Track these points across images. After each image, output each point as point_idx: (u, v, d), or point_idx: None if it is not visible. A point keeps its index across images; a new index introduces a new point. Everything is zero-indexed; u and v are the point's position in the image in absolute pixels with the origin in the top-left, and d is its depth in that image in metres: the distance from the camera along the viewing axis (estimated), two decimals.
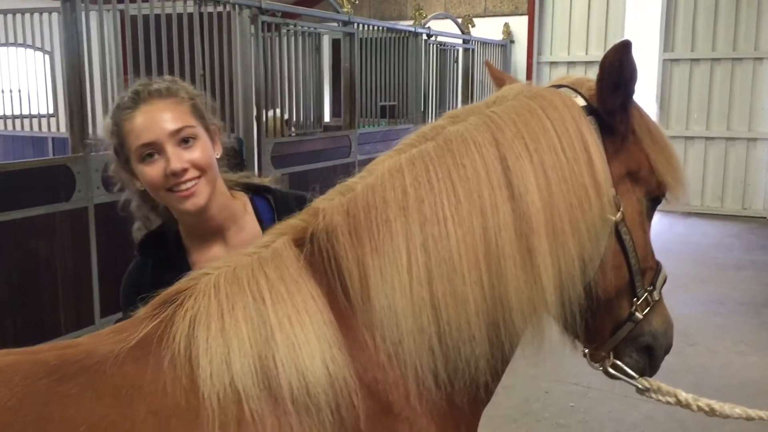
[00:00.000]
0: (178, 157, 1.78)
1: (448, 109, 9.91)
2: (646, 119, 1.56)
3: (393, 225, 1.29)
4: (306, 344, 1.20)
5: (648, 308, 1.57)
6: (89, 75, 4.92)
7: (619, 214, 1.45)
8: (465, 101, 10.43)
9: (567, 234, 1.33)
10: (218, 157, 1.93)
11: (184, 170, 1.79)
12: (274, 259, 1.29)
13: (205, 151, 1.84)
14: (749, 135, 10.82)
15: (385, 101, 8.57)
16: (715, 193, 11.04)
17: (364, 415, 1.21)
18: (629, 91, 1.46)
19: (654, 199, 1.59)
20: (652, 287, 1.58)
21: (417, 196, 1.31)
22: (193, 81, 5.85)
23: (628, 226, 1.48)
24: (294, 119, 6.97)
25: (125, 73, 5.28)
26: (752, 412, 1.66)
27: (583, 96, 1.49)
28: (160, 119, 1.79)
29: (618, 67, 1.41)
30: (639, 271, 1.53)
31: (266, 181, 2.10)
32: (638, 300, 1.55)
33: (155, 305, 1.29)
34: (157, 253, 1.96)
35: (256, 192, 2.05)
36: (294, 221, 1.40)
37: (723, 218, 10.74)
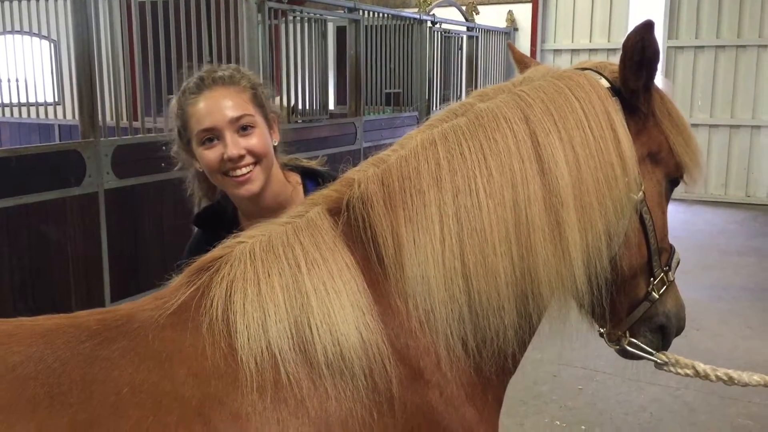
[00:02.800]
0: (236, 144, 1.86)
1: (453, 96, 9.98)
2: (666, 101, 1.58)
3: (426, 195, 1.32)
4: (340, 310, 1.22)
5: (663, 288, 1.60)
6: (98, 60, 4.94)
7: (640, 194, 1.47)
8: (469, 89, 10.43)
9: (594, 209, 1.36)
10: (276, 144, 2.00)
11: (241, 156, 1.87)
12: (309, 227, 1.31)
13: (262, 139, 1.91)
14: (753, 122, 10.83)
15: (389, 89, 8.57)
16: (718, 180, 11.05)
17: (396, 381, 1.23)
18: (652, 71, 1.48)
19: (672, 181, 1.61)
20: (667, 267, 1.61)
21: (450, 168, 1.34)
22: (200, 66, 5.87)
23: (648, 206, 1.51)
24: (300, 106, 6.98)
25: (132, 59, 5.31)
26: None
27: (606, 78, 1.51)
28: (222, 106, 1.86)
29: (641, 47, 1.43)
30: (657, 250, 1.55)
31: (313, 163, 2.15)
32: (655, 280, 1.58)
33: (191, 273, 1.31)
34: (212, 227, 2.02)
35: (306, 174, 2.11)
36: (327, 191, 1.43)
37: (726, 206, 10.77)
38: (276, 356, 1.18)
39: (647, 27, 1.42)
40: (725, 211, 10.44)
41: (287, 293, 1.23)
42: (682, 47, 11.14)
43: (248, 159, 1.88)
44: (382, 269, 1.31)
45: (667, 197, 1.63)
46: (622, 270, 1.50)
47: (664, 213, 1.60)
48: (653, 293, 1.59)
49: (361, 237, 1.33)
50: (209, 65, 1.99)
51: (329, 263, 1.26)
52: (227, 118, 1.85)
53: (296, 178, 2.08)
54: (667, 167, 1.57)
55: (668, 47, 11.18)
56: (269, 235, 1.32)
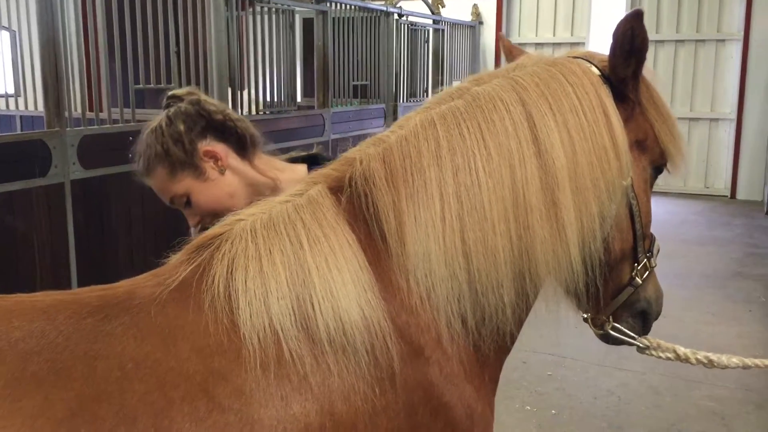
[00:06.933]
0: (189, 215, 1.98)
1: (419, 89, 10.01)
2: (652, 90, 1.61)
3: (427, 173, 1.34)
4: (342, 287, 1.23)
5: (646, 274, 1.64)
6: (64, 48, 4.85)
7: (628, 180, 1.50)
8: (435, 82, 10.48)
9: (589, 190, 1.39)
10: (223, 170, 1.95)
11: (200, 221, 1.96)
12: (310, 205, 1.32)
13: (202, 197, 1.94)
14: (711, 115, 11.09)
15: (357, 81, 8.56)
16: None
17: (397, 357, 1.24)
18: (640, 59, 1.50)
19: (656, 168, 1.65)
20: (650, 254, 1.65)
21: (450, 147, 1.35)
22: (167, 57, 5.80)
23: (635, 192, 1.55)
24: (268, 98, 6.94)
25: (96, 48, 5.22)
26: (748, 361, 1.75)
27: (596, 66, 1.54)
28: (159, 192, 1.98)
29: (630, 35, 1.46)
30: (641, 236, 1.59)
31: (313, 151, 2.19)
32: (638, 265, 1.61)
33: (190, 250, 1.31)
34: None
35: (312, 161, 2.12)
36: (326, 171, 1.43)
37: (686, 197, 11.02)
38: (278, 333, 1.18)
39: (637, 16, 1.45)
40: (685, 202, 10.68)
41: (289, 270, 1.23)
42: None
43: (207, 219, 1.93)
44: (384, 246, 1.32)
45: (651, 184, 1.67)
46: (615, 252, 1.54)
47: (648, 199, 1.64)
48: (637, 278, 1.62)
49: (364, 214, 1.34)
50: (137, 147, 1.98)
51: (331, 240, 1.27)
52: (166, 202, 1.97)
53: (299, 168, 2.08)
54: (652, 155, 1.61)
55: None
56: (269, 213, 1.32)
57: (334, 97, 7.96)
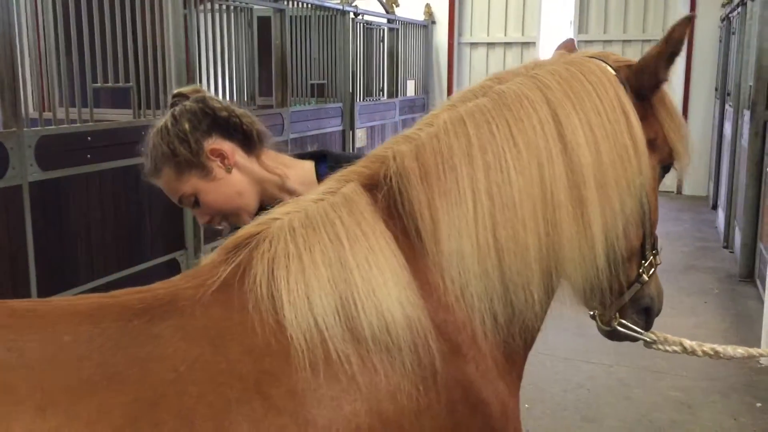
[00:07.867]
0: (198, 214, 1.95)
1: (375, 88, 10.00)
2: (661, 91, 1.64)
3: (459, 170, 1.34)
4: (383, 286, 1.22)
5: (652, 271, 1.67)
6: (20, 46, 4.69)
7: (641, 177, 1.53)
8: (391, 80, 10.51)
9: (612, 188, 1.41)
10: (231, 168, 1.92)
11: (210, 219, 1.94)
12: (347, 203, 1.31)
13: (210, 197, 1.90)
14: None
15: (314, 80, 8.52)
16: None
17: (438, 355, 1.24)
18: (674, 61, 1.52)
19: (664, 167, 1.67)
20: (655, 251, 1.69)
21: (480, 145, 1.36)
22: (125, 56, 5.66)
23: (646, 190, 1.57)
24: (228, 97, 6.85)
25: (56, 46, 5.05)
26: (753, 351, 1.82)
27: (611, 66, 1.55)
28: (167, 192, 1.95)
29: (681, 41, 1.47)
30: (650, 234, 1.62)
31: (313, 149, 2.21)
32: (645, 262, 1.65)
33: (227, 250, 1.28)
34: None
35: (317, 158, 2.10)
36: (357, 168, 1.42)
37: None
38: (324, 332, 1.17)
39: (690, 21, 1.47)
40: None
41: (331, 269, 1.22)
42: (591, 41, 11.60)
43: (217, 217, 1.93)
44: (419, 244, 1.31)
45: (659, 183, 1.70)
46: (630, 249, 1.57)
47: (656, 198, 1.66)
48: (644, 275, 1.65)
49: (399, 212, 1.33)
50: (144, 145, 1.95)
51: (370, 238, 1.26)
52: (175, 201, 1.95)
53: (307, 164, 2.07)
54: (661, 154, 1.63)
55: (578, 41, 11.59)
56: (305, 212, 1.31)
57: (292, 96, 7.90)
